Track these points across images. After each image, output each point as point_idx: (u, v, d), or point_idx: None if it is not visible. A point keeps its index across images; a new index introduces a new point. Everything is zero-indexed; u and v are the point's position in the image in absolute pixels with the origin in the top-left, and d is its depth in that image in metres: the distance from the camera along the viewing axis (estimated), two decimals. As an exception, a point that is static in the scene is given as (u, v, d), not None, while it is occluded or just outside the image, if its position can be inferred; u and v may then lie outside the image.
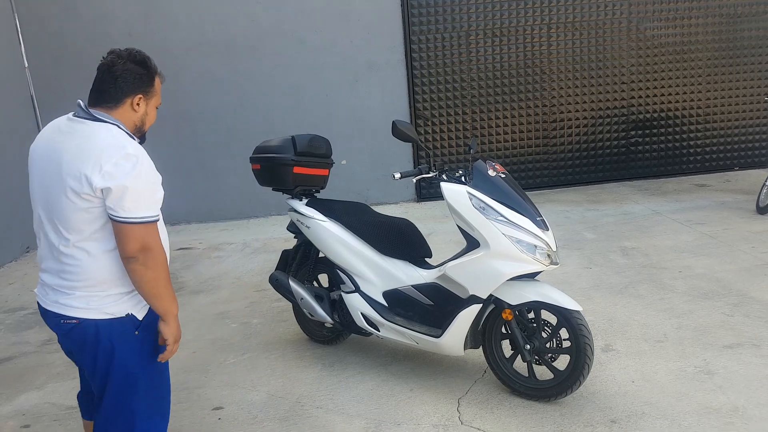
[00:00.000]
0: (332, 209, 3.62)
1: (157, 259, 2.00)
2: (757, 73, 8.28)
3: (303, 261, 3.93)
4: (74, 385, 3.32)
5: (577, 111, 8.11)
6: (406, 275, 3.38)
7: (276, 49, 7.64)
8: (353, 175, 8.04)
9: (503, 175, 3.13)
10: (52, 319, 2.10)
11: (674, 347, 3.51)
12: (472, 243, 3.04)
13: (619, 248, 5.40)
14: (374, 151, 7.87)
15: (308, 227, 3.62)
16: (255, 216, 7.93)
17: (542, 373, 3.11)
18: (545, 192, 8.10)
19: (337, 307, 3.61)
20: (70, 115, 2.07)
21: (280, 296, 4.78)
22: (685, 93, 8.24)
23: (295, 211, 3.72)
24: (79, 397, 2.46)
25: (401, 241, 3.46)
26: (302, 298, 3.64)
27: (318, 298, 3.66)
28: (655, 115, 8.24)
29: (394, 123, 3.15)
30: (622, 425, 2.80)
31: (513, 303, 2.98)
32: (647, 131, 8.27)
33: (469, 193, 3.01)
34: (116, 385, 2.11)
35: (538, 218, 3.01)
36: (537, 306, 2.99)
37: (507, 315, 3.01)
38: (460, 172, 3.26)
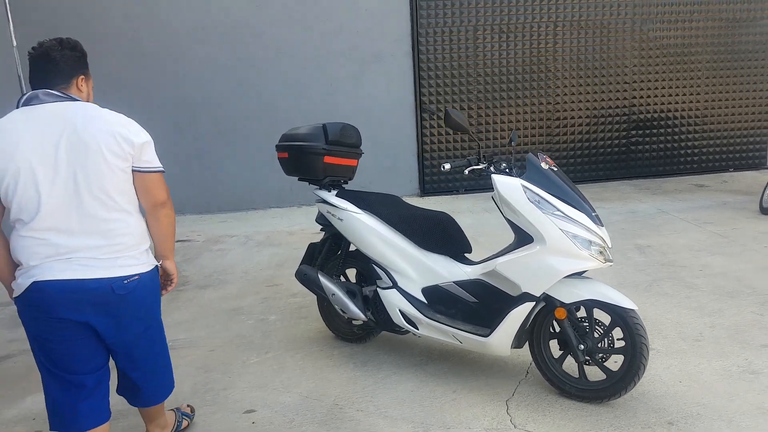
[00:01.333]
0: (367, 201, 3.48)
1: (172, 208, 2.38)
2: (754, 77, 8.37)
3: (329, 255, 3.79)
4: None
5: (581, 110, 8.09)
6: (447, 271, 3.27)
7: (281, 36, 7.45)
8: (360, 166, 7.89)
9: (555, 169, 3.04)
10: (104, 287, 2.14)
11: (712, 346, 3.46)
12: (524, 238, 2.93)
13: (635, 246, 5.37)
14: (378, 143, 7.74)
15: (341, 219, 3.47)
16: (254, 208, 7.75)
17: (592, 373, 3.03)
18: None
19: (371, 304, 3.48)
20: (24, 108, 2.14)
21: (296, 291, 4.70)
22: (684, 95, 8.29)
23: (326, 202, 3.56)
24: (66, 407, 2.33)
25: (441, 236, 3.34)
26: (333, 294, 3.50)
27: (350, 293, 3.52)
28: (656, 115, 8.27)
29: (447, 111, 3.03)
30: (679, 427, 2.73)
31: (566, 301, 2.89)
32: (647, 131, 8.29)
33: (523, 186, 2.91)
34: (152, 330, 2.39)
35: (593, 213, 2.92)
36: (590, 304, 2.91)
37: (560, 314, 2.92)
38: (504, 164, 3.16)
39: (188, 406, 3.06)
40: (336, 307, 3.54)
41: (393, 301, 3.30)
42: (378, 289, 3.38)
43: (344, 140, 3.60)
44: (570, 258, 2.82)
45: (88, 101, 2.30)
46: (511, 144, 3.36)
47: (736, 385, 3.06)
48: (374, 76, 7.70)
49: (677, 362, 3.31)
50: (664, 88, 8.22)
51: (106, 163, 2.12)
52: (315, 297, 4.50)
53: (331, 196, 3.55)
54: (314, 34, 7.48)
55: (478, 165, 3.13)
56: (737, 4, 8.11)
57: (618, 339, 2.92)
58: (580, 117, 8.11)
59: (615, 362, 2.97)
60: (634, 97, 8.17)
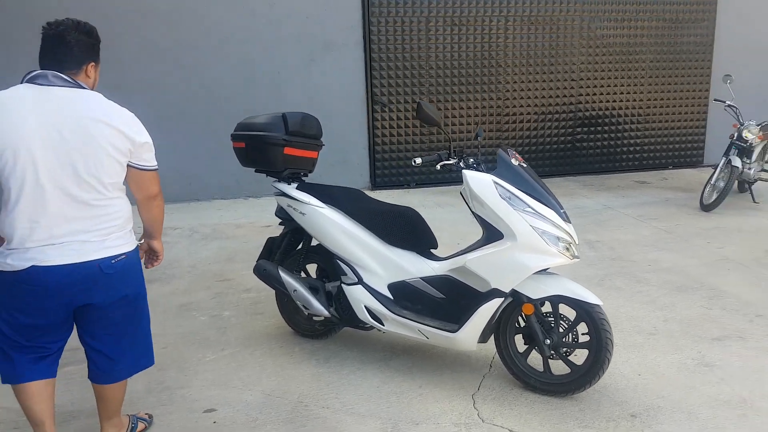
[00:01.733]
0: (330, 195, 3.39)
1: (162, 197, 2.49)
2: (693, 77, 8.71)
3: (289, 250, 3.69)
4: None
5: (529, 106, 8.21)
6: (414, 267, 3.22)
7: (224, 20, 7.20)
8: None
9: (524, 165, 3.04)
10: (92, 268, 2.23)
11: (667, 340, 3.56)
12: (493, 234, 2.92)
13: (585, 241, 5.48)
14: (329, 135, 7.52)
15: (303, 214, 3.37)
16: (196, 200, 7.49)
17: (557, 367, 3.06)
18: (496, 184, 8.15)
19: (335, 300, 3.40)
20: (30, 85, 2.16)
21: (249, 287, 4.57)
22: (627, 93, 8.54)
23: (286, 195, 3.46)
24: (21, 362, 2.37)
25: (408, 231, 3.29)
26: (295, 290, 3.40)
27: (313, 290, 3.43)
28: (600, 113, 8.49)
29: (419, 104, 2.98)
30: (642, 419, 2.79)
31: (534, 297, 2.90)
32: (592, 128, 8.51)
33: (494, 182, 2.89)
34: (135, 305, 2.46)
35: (561, 210, 2.94)
36: (557, 300, 2.93)
37: (527, 309, 2.92)
38: (472, 159, 3.14)
39: (146, 413, 2.90)
40: (298, 303, 3.45)
41: (358, 297, 3.24)
42: (343, 285, 3.30)
43: (305, 131, 3.50)
44: (539, 254, 2.83)
45: (93, 88, 2.34)
46: (477, 139, 3.35)
47: (693, 377, 3.15)
48: (324, 65, 7.57)
49: (635, 356, 3.38)
50: (609, 86, 8.44)
51: (106, 155, 2.19)
52: (271, 292, 4.39)
53: (292, 189, 3.44)
54: (260, 19, 7.28)
55: (449, 160, 3.10)
56: (680, 5, 8.40)
57: (583, 333, 2.95)
58: (528, 113, 8.23)
59: (577, 356, 3.01)
60: (581, 95, 8.36)
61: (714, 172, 6.51)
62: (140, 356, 2.55)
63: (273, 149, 3.40)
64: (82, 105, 2.18)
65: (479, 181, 2.92)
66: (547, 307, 3.02)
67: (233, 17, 7.21)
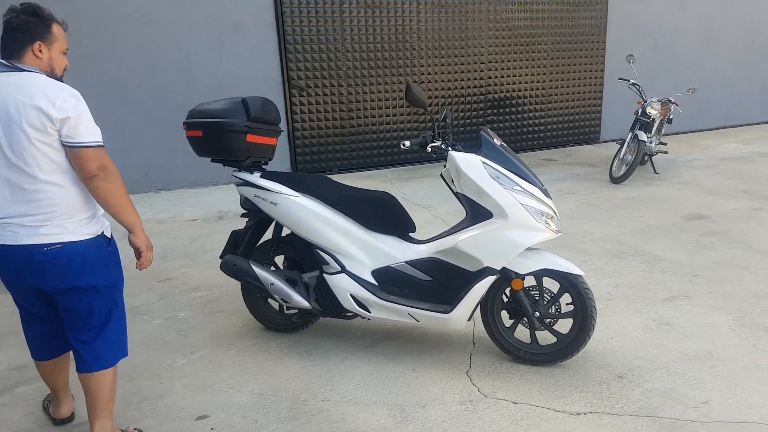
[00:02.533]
0: (302, 183, 3.28)
1: (115, 174, 2.30)
2: (589, 57, 9.27)
3: (253, 243, 3.53)
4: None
5: (443, 89, 8.37)
6: (397, 251, 3.20)
7: (124, 0, 6.69)
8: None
9: (504, 144, 3.10)
10: (23, 254, 2.25)
11: (624, 304, 3.80)
12: (481, 214, 2.96)
13: (519, 217, 5.70)
14: (248, 123, 7.34)
15: (275, 204, 3.24)
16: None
17: (542, 338, 3.18)
18: (417, 167, 8.27)
19: (315, 290, 3.31)
20: None
21: (195, 285, 4.35)
22: (530, 74, 8.94)
23: (252, 185, 3.30)
24: (31, 339, 2.60)
25: (387, 216, 3.25)
26: (272, 284, 3.26)
27: (290, 282, 3.32)
28: (507, 94, 8.82)
29: (408, 85, 2.94)
30: (629, 379, 2.97)
31: (522, 272, 2.99)
32: (500, 109, 8.83)
33: (483, 162, 2.93)
34: (102, 295, 2.42)
35: (543, 186, 3.04)
36: (542, 273, 3.03)
37: (517, 285, 3.01)
38: (450, 141, 3.17)
39: (135, 428, 2.70)
40: (275, 297, 3.31)
41: (343, 285, 3.17)
42: (325, 275, 3.21)
43: (266, 116, 3.35)
44: (529, 231, 2.91)
45: (51, 68, 2.32)
46: (445, 120, 3.36)
47: (659, 336, 3.40)
48: (236, 49, 7.27)
49: (601, 321, 3.57)
50: (514, 68, 8.79)
51: (26, 137, 2.16)
52: (225, 289, 4.25)
53: (259, 179, 3.29)
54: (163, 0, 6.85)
55: (434, 142, 3.10)
56: (577, -11, 8.90)
57: (567, 304, 3.08)
58: (442, 96, 8.39)
59: (564, 326, 3.14)
60: (489, 77, 8.64)
61: (621, 147, 6.99)
62: (112, 349, 2.52)
63: (235, 137, 3.22)
64: (10, 89, 2.17)
65: (468, 162, 2.95)
66: (531, 281, 3.13)
67: (134, -3, 6.73)
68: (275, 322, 3.59)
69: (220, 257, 3.48)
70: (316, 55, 7.55)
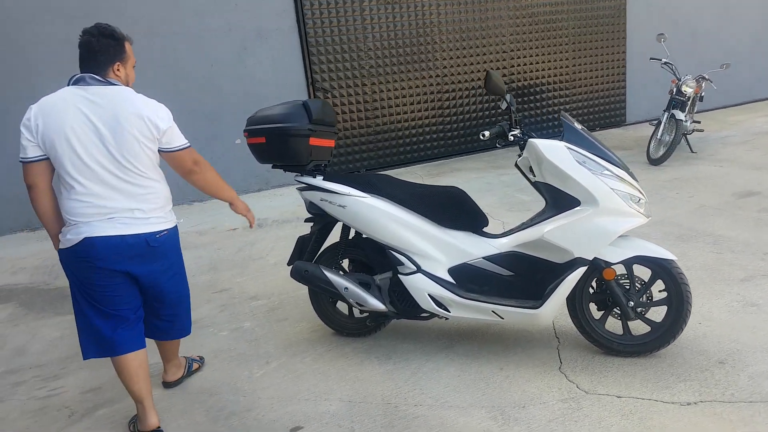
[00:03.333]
0: (368, 183, 3.18)
1: (206, 165, 2.76)
2: (611, 41, 9.14)
3: (318, 248, 3.44)
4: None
5: (466, 81, 8.25)
6: (474, 247, 3.09)
7: (146, 13, 6.63)
8: (249, 157, 7.28)
9: (584, 128, 2.99)
10: (141, 241, 2.57)
11: (702, 287, 3.68)
12: (567, 202, 2.85)
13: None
14: (276, 128, 7.24)
15: (343, 206, 3.14)
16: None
17: (634, 328, 3.07)
18: (445, 162, 8.17)
19: (389, 292, 3.21)
20: (73, 87, 2.50)
21: (253, 294, 4.27)
22: (553, 61, 8.81)
23: (318, 189, 3.20)
24: (106, 335, 2.71)
25: (459, 211, 3.15)
26: (347, 288, 3.16)
27: (364, 285, 3.22)
28: (531, 82, 8.70)
29: (488, 73, 2.84)
30: (731, 364, 2.86)
31: (613, 261, 2.87)
32: (525, 98, 8.71)
33: (567, 147, 2.82)
34: (179, 275, 2.83)
35: (629, 169, 2.92)
36: (633, 261, 2.91)
37: (609, 274, 2.89)
38: (517, 129, 3.06)
39: (198, 355, 3.39)
40: (350, 301, 3.20)
41: (420, 285, 3.06)
42: (400, 275, 3.11)
43: (326, 118, 3.25)
44: (621, 217, 2.79)
45: (127, 82, 2.64)
46: (511, 108, 3.23)
47: (747, 318, 3.28)
48: (259, 55, 7.18)
49: (682, 306, 3.46)
50: (536, 55, 8.66)
51: (137, 143, 2.50)
52: (285, 296, 4.16)
53: (325, 183, 3.19)
54: (184, 10, 6.76)
55: (513, 130, 3.00)
56: (595, -27, 8.76)
57: (660, 291, 2.97)
58: (466, 88, 8.28)
59: (657, 314, 3.03)
60: (513, 66, 8.52)
61: (657, 128, 6.86)
62: (183, 323, 2.96)
63: (299, 141, 3.13)
64: (113, 99, 2.48)
65: (553, 148, 2.83)
66: (618, 270, 3.01)
67: (153, 10, 6.64)
68: (347, 326, 3.49)
69: (288, 264, 3.39)
70: (338, 56, 7.45)
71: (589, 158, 2.81)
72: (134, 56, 2.69)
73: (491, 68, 8.35)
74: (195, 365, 3.30)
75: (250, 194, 7.36)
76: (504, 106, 3.17)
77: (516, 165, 3.09)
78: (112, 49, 2.55)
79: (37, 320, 4.20)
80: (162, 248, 2.65)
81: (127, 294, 2.65)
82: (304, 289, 4.22)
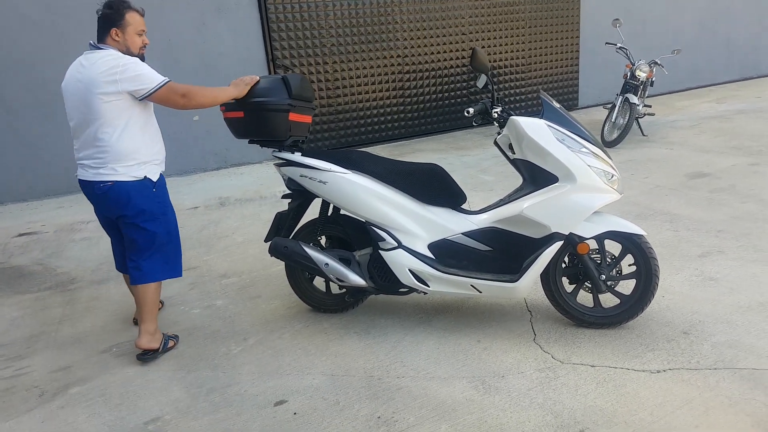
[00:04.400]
0: (348, 159, 3.18)
1: (197, 92, 2.92)
2: (565, 26, 9.32)
3: (294, 224, 3.43)
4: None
5: (427, 62, 8.29)
6: (453, 223, 3.15)
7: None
8: (208, 134, 7.22)
9: (562, 107, 3.07)
10: (91, 187, 2.97)
11: (663, 263, 3.84)
12: (545, 179, 2.93)
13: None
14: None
15: (324, 182, 3.13)
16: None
17: (604, 301, 3.20)
18: (406, 142, 8.21)
19: (369, 268, 3.23)
20: (85, 52, 2.92)
21: (222, 272, 4.21)
22: (510, 44, 8.94)
23: (298, 164, 3.18)
24: (115, 255, 3.40)
25: (439, 188, 3.19)
26: (327, 264, 3.17)
27: (344, 261, 3.23)
28: (489, 65, 8.79)
29: (474, 50, 2.88)
30: (695, 334, 3.02)
31: (587, 236, 2.98)
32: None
33: (548, 125, 2.89)
34: (134, 226, 3.02)
35: (603, 147, 3.03)
36: (604, 236, 3.03)
37: (582, 249, 3.00)
38: (499, 107, 3.12)
39: (173, 333, 3.40)
40: (330, 277, 3.21)
41: (401, 261, 3.10)
42: (381, 251, 3.14)
43: (304, 94, 3.23)
44: (598, 193, 2.89)
45: (127, 47, 2.95)
46: (487, 87, 3.29)
47: (707, 291, 3.46)
48: (218, 29, 7.02)
49: (646, 280, 3.62)
50: (493, 38, 8.77)
51: (98, 100, 2.81)
52: (256, 274, 4.14)
53: (306, 159, 3.18)
54: (147, -19, 6.53)
55: (495, 108, 3.05)
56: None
57: (630, 265, 3.10)
58: (427, 70, 8.31)
59: (625, 287, 3.16)
60: (470, 48, 8.59)
61: (612, 111, 7.07)
62: (154, 268, 3.10)
63: (278, 116, 3.11)
64: (95, 62, 2.83)
65: (534, 126, 2.90)
66: (592, 244, 3.12)
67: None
68: (324, 303, 3.50)
69: (266, 240, 3.37)
70: (299, 32, 7.36)
71: (567, 136, 2.90)
72: (144, 26, 2.97)
73: (453, 50, 8.41)
74: (171, 342, 3.27)
75: (209, 172, 7.23)
76: (482, 83, 3.22)
77: (495, 142, 3.15)
78: (108, 17, 2.89)
79: (-6, 300, 4.04)
80: (108, 197, 2.94)
81: (109, 229, 3.22)
82: (275, 267, 4.20)
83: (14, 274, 4.46)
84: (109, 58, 2.81)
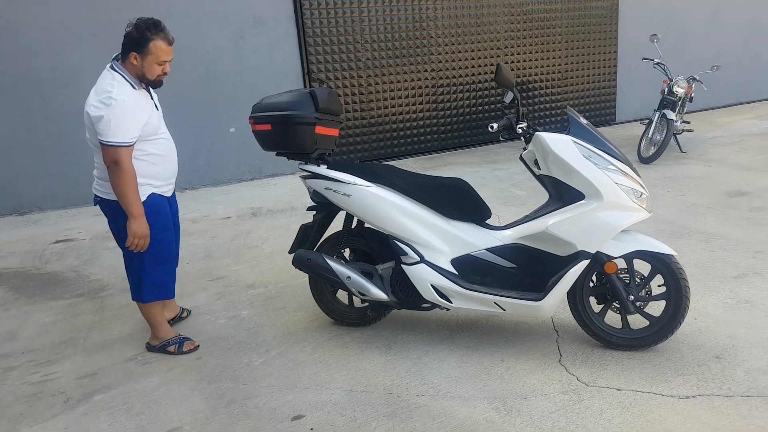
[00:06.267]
0: (373, 172, 3.18)
1: (123, 172, 2.89)
2: (603, 41, 9.20)
3: (319, 237, 3.44)
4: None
5: (461, 76, 8.27)
6: (477, 239, 3.11)
7: (142, -1, 6.54)
8: (243, 145, 7.31)
9: (589, 123, 3.01)
10: (95, 198, 3.17)
11: (696, 283, 3.73)
12: (571, 196, 2.87)
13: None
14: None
15: (348, 195, 3.14)
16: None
17: (633, 322, 3.11)
18: (438, 155, 8.18)
19: (390, 282, 3.21)
20: (108, 65, 3.03)
21: (250, 282, 4.25)
22: (546, 59, 8.85)
23: (323, 177, 3.19)
24: None
25: (463, 202, 3.16)
26: (349, 277, 3.17)
27: (367, 275, 3.22)
28: (524, 79, 8.74)
29: (498, 66, 2.85)
30: (727, 359, 2.91)
31: (615, 255, 2.90)
32: (521, 94, 8.71)
33: (574, 141, 2.84)
34: (121, 245, 3.13)
35: (632, 165, 2.96)
36: (633, 255, 2.95)
37: (610, 268, 2.92)
38: (525, 122, 3.08)
39: (185, 337, 3.43)
40: (352, 290, 3.20)
41: (423, 276, 3.07)
42: (403, 265, 3.11)
43: (331, 107, 3.26)
44: (625, 211, 2.83)
45: (143, 74, 2.99)
46: (515, 102, 3.24)
47: (741, 314, 3.33)
48: (256, 43, 7.12)
49: (678, 301, 3.51)
50: (529, 53, 8.69)
51: (90, 121, 2.91)
52: (283, 285, 4.15)
53: (330, 171, 3.19)
54: (181, -4, 6.70)
55: (520, 123, 3.02)
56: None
57: (659, 285, 3.01)
58: (461, 84, 8.29)
59: (656, 309, 3.07)
60: (506, 62, 8.54)
61: (648, 127, 6.92)
62: (132, 286, 3.27)
63: (305, 129, 3.13)
64: (99, 78, 2.96)
65: (559, 142, 2.85)
66: (621, 264, 3.05)
67: (151, -6, 6.57)
68: (347, 316, 3.49)
69: (290, 252, 3.38)
70: (335, 47, 7.43)
71: (594, 153, 2.84)
72: (170, 55, 3.00)
73: (488, 64, 8.37)
74: (171, 348, 3.37)
75: (243, 183, 7.32)
76: (509, 99, 3.18)
77: (521, 158, 3.11)
78: (132, 39, 2.93)
79: (28, 305, 4.15)
80: (104, 212, 3.14)
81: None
82: (301, 279, 4.21)
83: (49, 281, 4.58)
84: (103, 84, 2.89)
